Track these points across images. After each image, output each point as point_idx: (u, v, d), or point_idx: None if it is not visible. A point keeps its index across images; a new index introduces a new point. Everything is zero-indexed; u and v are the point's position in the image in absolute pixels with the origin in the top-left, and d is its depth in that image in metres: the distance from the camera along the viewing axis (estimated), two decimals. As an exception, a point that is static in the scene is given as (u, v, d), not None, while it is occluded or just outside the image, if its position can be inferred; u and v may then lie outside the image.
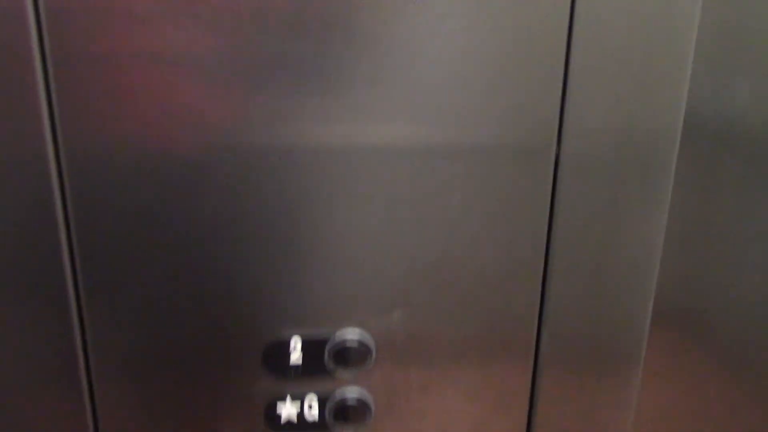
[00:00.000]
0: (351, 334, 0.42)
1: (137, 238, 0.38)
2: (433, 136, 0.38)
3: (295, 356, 0.42)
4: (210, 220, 0.38)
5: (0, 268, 0.38)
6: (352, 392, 0.43)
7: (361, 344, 0.42)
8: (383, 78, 0.36)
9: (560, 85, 0.38)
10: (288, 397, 0.43)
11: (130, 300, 0.39)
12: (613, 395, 0.47)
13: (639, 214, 0.42)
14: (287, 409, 0.43)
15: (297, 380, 0.42)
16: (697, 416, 0.54)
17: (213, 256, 0.39)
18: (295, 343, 0.41)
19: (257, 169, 0.37)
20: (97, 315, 0.40)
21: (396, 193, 0.39)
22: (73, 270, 0.39)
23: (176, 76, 0.35)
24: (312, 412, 0.43)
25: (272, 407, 0.43)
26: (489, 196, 0.40)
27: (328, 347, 0.42)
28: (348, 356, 0.42)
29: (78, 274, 0.38)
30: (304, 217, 0.39)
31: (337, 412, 0.43)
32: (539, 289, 0.43)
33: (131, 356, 0.40)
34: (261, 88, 0.36)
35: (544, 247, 0.41)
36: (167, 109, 0.36)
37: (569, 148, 0.39)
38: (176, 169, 0.37)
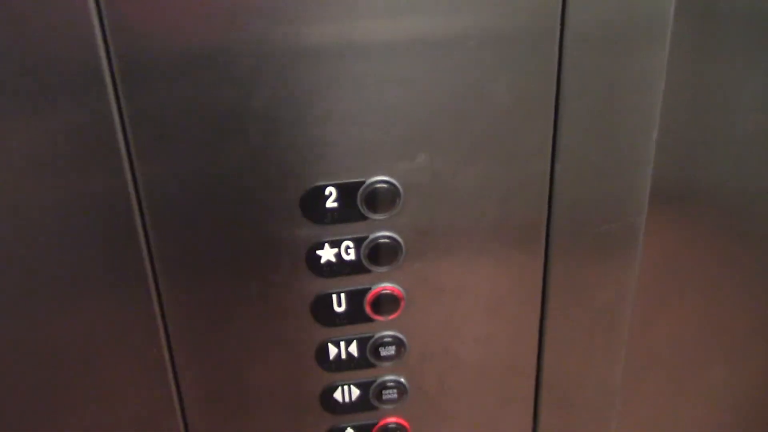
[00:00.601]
0: (380, 179, 0.45)
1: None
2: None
3: (331, 201, 0.45)
4: (257, 88, 0.42)
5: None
6: (384, 234, 0.47)
7: (390, 186, 0.45)
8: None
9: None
10: (326, 244, 0.47)
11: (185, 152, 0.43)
12: (613, 276, 0.51)
13: (636, 85, 0.45)
14: (326, 253, 0.47)
15: (333, 225, 0.46)
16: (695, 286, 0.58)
17: (259, 116, 0.43)
18: (331, 189, 0.45)
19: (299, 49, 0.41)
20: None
21: (414, 53, 0.42)
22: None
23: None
24: (349, 254, 0.47)
25: (312, 251, 0.47)
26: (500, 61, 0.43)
27: (360, 192, 0.46)
28: (378, 199, 0.46)
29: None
30: (334, 76, 0.42)
31: (371, 252, 0.47)
32: (550, 143, 0.46)
33: (184, 205, 0.44)
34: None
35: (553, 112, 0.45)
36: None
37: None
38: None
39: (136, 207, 0.44)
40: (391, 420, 0.54)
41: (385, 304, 0.49)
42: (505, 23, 0.42)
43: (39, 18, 0.38)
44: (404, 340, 0.51)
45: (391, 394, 0.53)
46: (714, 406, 0.67)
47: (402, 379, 0.53)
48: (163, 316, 0.48)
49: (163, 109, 0.42)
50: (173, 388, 0.50)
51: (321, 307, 0.49)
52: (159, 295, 0.47)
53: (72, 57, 0.40)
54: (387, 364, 0.52)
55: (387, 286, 0.49)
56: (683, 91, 0.50)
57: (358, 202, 0.46)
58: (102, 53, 0.40)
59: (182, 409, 0.51)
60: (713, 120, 0.52)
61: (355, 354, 0.51)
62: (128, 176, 0.43)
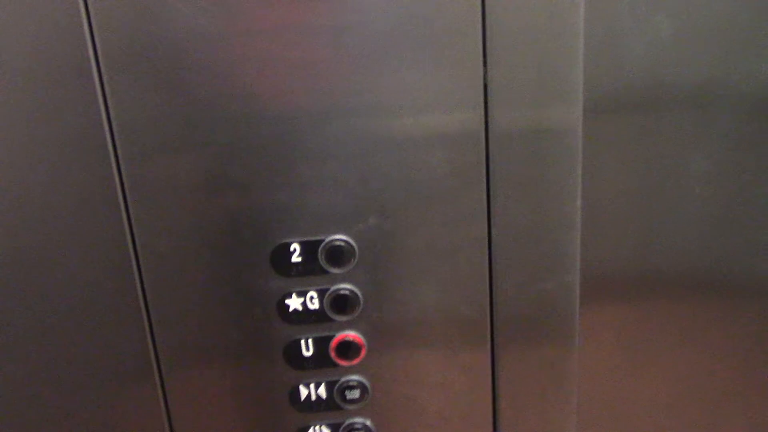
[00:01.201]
0: (338, 237, 0.54)
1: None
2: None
3: (296, 256, 0.54)
4: (233, 160, 0.51)
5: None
6: (343, 286, 0.55)
7: (346, 244, 0.53)
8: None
9: None
10: (293, 294, 0.55)
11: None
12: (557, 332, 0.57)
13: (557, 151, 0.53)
14: (293, 302, 0.55)
15: (299, 277, 0.54)
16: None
17: (236, 181, 0.52)
18: (295, 246, 0.53)
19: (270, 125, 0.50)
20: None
21: (366, 130, 0.51)
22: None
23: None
24: (313, 304, 0.55)
25: (282, 300, 0.55)
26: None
27: (320, 248, 0.54)
28: (336, 254, 0.54)
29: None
30: (300, 146, 0.51)
31: (333, 302, 0.55)
32: (485, 209, 0.54)
33: (176, 261, 0.53)
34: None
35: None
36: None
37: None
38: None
39: (133, 260, 0.53)
40: (361, 461, 0.60)
41: (348, 350, 0.56)
42: (434, 103, 0.51)
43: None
44: (367, 384, 0.58)
45: (359, 435, 0.59)
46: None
47: (368, 423, 0.59)
48: (156, 354, 0.56)
49: (159, 180, 0.51)
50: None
51: (291, 352, 0.56)
52: (152, 335, 0.55)
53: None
54: (353, 406, 0.58)
55: (349, 334, 0.56)
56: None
57: (319, 258, 0.54)
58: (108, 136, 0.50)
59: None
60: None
61: (324, 396, 0.58)
62: (126, 229, 0.53)
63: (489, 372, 0.58)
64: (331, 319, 0.55)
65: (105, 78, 0.48)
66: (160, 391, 0.57)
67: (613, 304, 0.62)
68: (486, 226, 0.54)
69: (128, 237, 0.53)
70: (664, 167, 0.58)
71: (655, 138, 0.57)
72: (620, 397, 0.65)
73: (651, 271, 0.61)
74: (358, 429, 0.59)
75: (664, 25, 0.54)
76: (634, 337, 0.63)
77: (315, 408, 0.58)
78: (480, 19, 0.49)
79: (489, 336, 0.57)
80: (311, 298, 0.55)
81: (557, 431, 0.61)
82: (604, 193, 0.58)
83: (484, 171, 0.53)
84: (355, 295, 0.55)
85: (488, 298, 0.56)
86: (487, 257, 0.55)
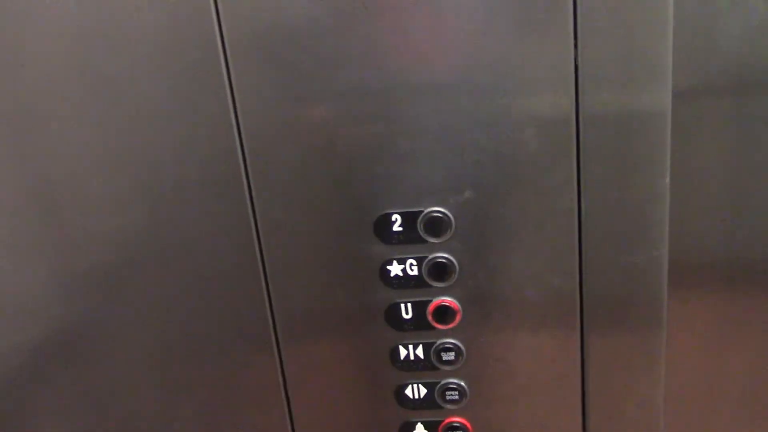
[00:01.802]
0: (436, 209, 0.58)
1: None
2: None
3: (397, 226, 0.58)
4: (339, 135, 0.56)
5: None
6: (440, 255, 0.59)
7: (444, 215, 0.58)
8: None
9: None
10: (394, 261, 0.60)
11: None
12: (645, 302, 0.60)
13: (645, 128, 0.56)
14: (394, 268, 0.60)
15: (400, 245, 0.59)
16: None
17: (342, 154, 0.57)
18: (396, 216, 0.58)
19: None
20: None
21: (463, 107, 0.55)
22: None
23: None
24: (413, 270, 0.60)
25: (384, 266, 0.60)
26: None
27: (419, 219, 0.58)
28: (434, 225, 0.58)
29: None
30: (401, 122, 0.56)
31: (431, 270, 0.60)
32: (575, 181, 0.57)
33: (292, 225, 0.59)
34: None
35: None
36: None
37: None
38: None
39: (254, 230, 0.60)
40: (455, 419, 0.65)
41: (444, 314, 0.61)
42: (527, 82, 0.54)
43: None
44: (462, 347, 0.62)
45: (453, 395, 0.63)
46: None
47: (462, 383, 0.63)
48: (273, 320, 0.63)
49: (276, 154, 0.57)
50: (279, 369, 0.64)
51: (392, 315, 0.61)
52: (270, 297, 0.62)
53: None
54: (448, 367, 0.63)
55: (445, 300, 0.61)
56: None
57: (418, 227, 0.58)
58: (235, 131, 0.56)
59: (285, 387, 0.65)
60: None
61: (421, 356, 0.62)
62: (247, 201, 0.59)
63: (578, 339, 0.61)
64: (428, 285, 0.60)
65: (230, 60, 0.54)
66: (276, 356, 0.64)
67: (701, 287, 0.64)
68: (576, 198, 0.57)
69: (249, 208, 0.59)
70: (755, 152, 0.60)
71: (745, 122, 0.59)
72: (707, 376, 0.67)
73: (739, 255, 0.63)
74: (452, 389, 0.63)
75: (759, 6, 0.56)
76: (722, 322, 0.65)
77: (413, 367, 0.63)
78: (571, 1, 0.52)
79: (578, 305, 0.60)
80: (411, 264, 0.59)
81: (645, 399, 0.64)
82: (694, 177, 0.60)
83: (574, 148, 0.56)
84: (452, 263, 0.59)
85: (578, 270, 0.59)
86: (576, 229, 0.58)
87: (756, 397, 0.68)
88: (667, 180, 0.57)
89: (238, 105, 0.56)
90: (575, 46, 0.53)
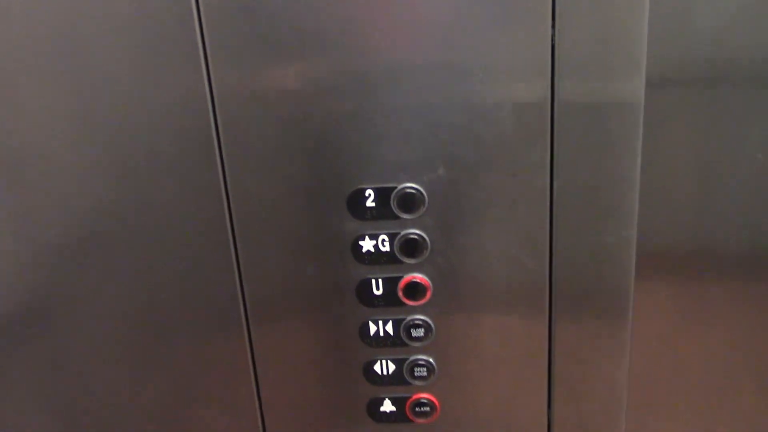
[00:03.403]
0: (410, 185, 0.58)
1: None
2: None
3: (370, 201, 0.58)
4: (314, 109, 0.56)
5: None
6: (412, 231, 0.60)
7: (417, 191, 0.58)
8: None
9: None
10: (367, 236, 0.60)
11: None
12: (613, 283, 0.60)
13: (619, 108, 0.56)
14: (366, 244, 0.60)
15: (372, 221, 0.59)
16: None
17: (319, 134, 0.57)
18: (370, 191, 0.58)
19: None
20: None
21: (435, 84, 0.55)
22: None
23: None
24: (384, 246, 0.60)
25: (356, 242, 0.60)
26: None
27: (392, 195, 0.58)
28: (408, 201, 0.58)
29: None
30: (376, 99, 0.56)
31: (402, 246, 0.60)
32: (548, 162, 0.57)
33: (265, 201, 0.59)
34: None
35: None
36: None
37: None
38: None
39: (225, 203, 0.59)
40: (423, 396, 0.65)
41: (414, 291, 0.61)
42: (504, 63, 0.55)
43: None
44: (431, 324, 0.62)
45: (421, 372, 0.64)
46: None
47: (431, 360, 0.64)
48: (242, 294, 0.62)
49: (249, 126, 0.57)
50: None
51: (363, 290, 0.61)
52: (240, 270, 0.61)
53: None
54: (417, 344, 0.63)
55: (416, 276, 0.61)
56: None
57: (392, 203, 0.58)
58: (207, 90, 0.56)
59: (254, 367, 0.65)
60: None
61: (391, 333, 0.63)
62: (221, 180, 0.58)
63: (546, 319, 0.62)
64: (400, 261, 0.60)
65: (205, 28, 0.54)
66: (245, 330, 0.63)
67: (669, 273, 0.65)
68: (548, 179, 0.57)
69: (221, 181, 0.58)
70: (726, 142, 0.60)
71: (718, 112, 0.60)
72: (671, 359, 0.68)
73: (706, 243, 0.64)
74: (421, 365, 0.64)
75: (732, -4, 0.56)
76: (688, 305, 0.66)
77: (382, 343, 0.63)
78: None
79: (548, 285, 0.61)
80: (383, 240, 0.60)
81: (610, 379, 0.65)
82: (664, 165, 0.61)
83: (548, 130, 0.56)
84: (424, 239, 0.59)
85: (548, 250, 0.60)
86: (548, 209, 0.58)
87: (718, 381, 0.69)
88: (638, 161, 0.57)
89: (212, 75, 0.56)
90: (553, 30, 0.54)
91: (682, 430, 0.71)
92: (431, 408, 0.65)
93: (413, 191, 0.58)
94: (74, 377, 0.67)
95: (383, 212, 0.59)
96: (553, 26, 0.54)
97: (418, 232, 0.59)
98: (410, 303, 0.61)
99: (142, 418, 0.68)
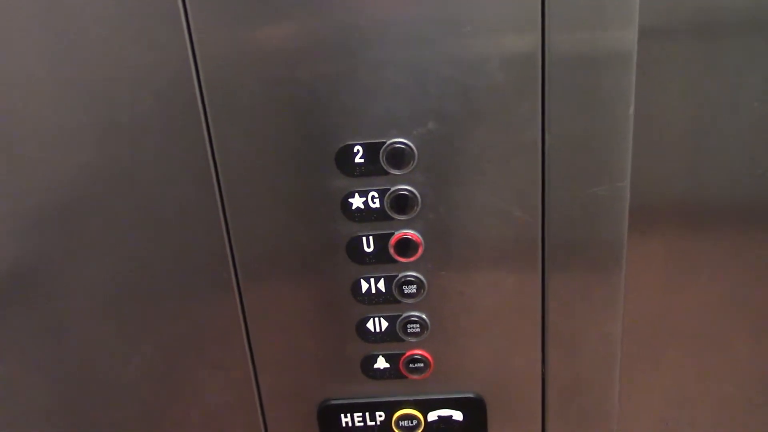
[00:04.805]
0: (399, 140, 0.57)
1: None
2: None
3: (359, 157, 0.57)
4: (301, 65, 0.55)
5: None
6: (402, 187, 0.59)
7: (406, 146, 0.57)
8: None
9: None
10: (356, 193, 0.59)
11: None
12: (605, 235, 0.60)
13: (612, 65, 0.55)
14: (356, 201, 0.59)
15: (362, 177, 0.58)
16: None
17: (306, 90, 0.56)
18: (358, 147, 0.57)
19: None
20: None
21: (424, 39, 0.54)
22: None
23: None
24: (374, 203, 0.59)
25: (346, 199, 0.59)
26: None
27: (381, 150, 0.57)
28: (396, 157, 0.57)
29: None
30: (364, 53, 0.54)
31: (393, 202, 0.59)
32: (539, 115, 0.56)
33: (253, 158, 0.58)
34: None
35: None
36: None
37: None
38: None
39: (211, 163, 0.58)
40: (416, 352, 0.65)
41: (406, 247, 0.60)
42: (493, 15, 0.53)
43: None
44: (423, 280, 0.62)
45: (414, 328, 0.64)
46: (738, 383, 0.72)
47: (424, 316, 0.63)
48: (232, 253, 0.62)
49: (235, 86, 0.56)
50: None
51: (354, 247, 0.61)
52: (228, 230, 0.60)
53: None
54: (410, 301, 0.63)
55: (407, 232, 0.60)
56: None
57: (381, 159, 0.57)
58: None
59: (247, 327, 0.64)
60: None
61: (383, 290, 0.62)
62: (206, 140, 0.57)
63: (539, 273, 0.62)
64: (390, 218, 0.59)
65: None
66: (236, 290, 0.63)
67: (661, 224, 0.64)
68: (540, 132, 0.57)
69: (206, 141, 0.57)
70: (719, 93, 0.59)
71: (711, 60, 0.59)
72: (666, 309, 0.68)
73: (699, 194, 0.63)
74: (414, 321, 0.63)
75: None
76: (681, 256, 0.66)
77: (375, 300, 0.63)
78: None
79: (540, 239, 0.60)
80: (372, 197, 0.59)
81: (604, 332, 0.64)
82: (657, 116, 0.60)
83: (539, 82, 0.55)
84: (414, 195, 0.58)
85: (540, 201, 0.59)
86: (540, 162, 0.58)
87: (712, 331, 0.69)
88: (631, 111, 0.56)
89: (193, 33, 0.54)
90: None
91: (676, 381, 0.71)
92: (425, 364, 0.65)
93: (402, 146, 0.57)
94: (64, 342, 0.67)
95: (372, 168, 0.58)
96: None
97: (408, 188, 0.59)
98: (402, 260, 0.61)
99: (135, 381, 0.68)
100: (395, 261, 0.61)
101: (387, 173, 0.58)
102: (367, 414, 0.67)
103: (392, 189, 0.58)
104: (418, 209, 0.59)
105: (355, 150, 0.57)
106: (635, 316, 0.66)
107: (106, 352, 0.67)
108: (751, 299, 0.68)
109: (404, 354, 0.65)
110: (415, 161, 0.57)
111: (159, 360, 0.67)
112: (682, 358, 0.71)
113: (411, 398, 0.67)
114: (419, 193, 0.59)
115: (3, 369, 0.68)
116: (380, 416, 0.67)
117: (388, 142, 0.57)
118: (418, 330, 0.64)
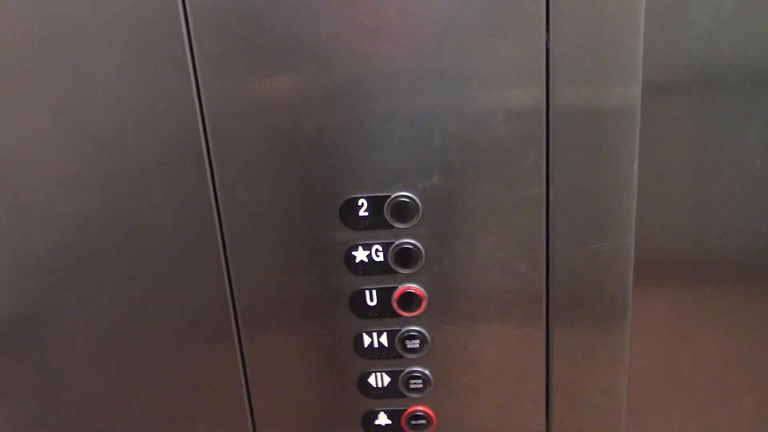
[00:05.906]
0: (403, 194, 0.57)
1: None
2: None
3: (363, 211, 0.57)
4: (306, 118, 0.55)
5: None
6: (406, 241, 0.58)
7: (411, 200, 0.57)
8: None
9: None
10: (360, 246, 0.59)
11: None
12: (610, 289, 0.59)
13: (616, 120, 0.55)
14: (360, 254, 0.59)
15: (366, 231, 0.58)
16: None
17: (311, 143, 0.55)
18: (363, 201, 0.57)
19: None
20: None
21: (429, 93, 0.54)
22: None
23: None
24: (378, 256, 0.59)
25: (349, 252, 0.59)
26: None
27: (386, 204, 0.57)
28: (402, 210, 0.57)
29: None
30: (369, 107, 0.55)
31: (396, 256, 0.58)
32: (544, 169, 0.56)
33: (256, 210, 0.58)
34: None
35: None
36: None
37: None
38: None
39: (215, 213, 0.58)
40: (419, 408, 0.64)
41: (409, 302, 0.60)
42: (498, 70, 0.53)
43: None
44: (426, 335, 0.61)
45: (417, 384, 0.63)
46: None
47: (426, 371, 0.63)
48: (233, 302, 0.61)
49: (240, 136, 0.56)
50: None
51: (356, 301, 0.60)
52: (231, 281, 0.60)
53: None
54: (413, 356, 0.62)
55: (411, 286, 0.60)
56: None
57: (385, 212, 0.57)
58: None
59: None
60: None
61: (386, 344, 0.61)
62: (211, 190, 0.57)
63: (543, 327, 0.61)
64: (394, 272, 0.59)
65: (193, 35, 0.52)
66: (236, 342, 0.62)
67: (666, 279, 0.64)
68: (544, 186, 0.56)
69: (211, 190, 0.57)
70: (723, 147, 0.60)
71: (714, 117, 0.59)
72: (671, 364, 0.67)
73: (704, 248, 0.63)
74: (416, 377, 0.62)
75: (729, 1, 0.55)
76: (687, 311, 0.65)
77: (377, 355, 0.62)
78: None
79: (544, 294, 0.60)
80: (376, 250, 0.58)
81: (608, 388, 0.63)
82: (661, 170, 0.60)
83: (544, 137, 0.55)
84: (418, 249, 0.58)
85: (545, 258, 0.59)
86: (544, 217, 0.57)
87: (716, 387, 0.68)
88: (635, 167, 0.56)
89: (201, 83, 0.54)
90: (547, 35, 0.53)
91: (681, 437, 0.70)
92: (427, 421, 0.64)
93: (407, 200, 0.57)
94: (63, 387, 0.65)
95: (377, 222, 0.57)
96: (548, 31, 0.53)
97: (412, 241, 0.58)
98: (405, 314, 0.60)
99: (132, 430, 0.67)
100: (398, 315, 0.60)
101: (391, 227, 0.58)
102: (368, 471, 0.66)
103: (396, 242, 0.58)
104: (422, 263, 0.59)
105: (359, 203, 0.57)
106: (641, 371, 0.65)
107: (104, 402, 0.66)
108: (756, 354, 0.67)
109: (406, 410, 0.64)
110: (420, 215, 0.57)
111: (157, 410, 0.66)
112: (688, 413, 0.70)
113: (413, 455, 0.65)
114: (423, 247, 0.58)
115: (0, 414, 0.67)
116: (381, 473, 0.66)
117: (393, 195, 0.57)
118: (421, 386, 0.63)
